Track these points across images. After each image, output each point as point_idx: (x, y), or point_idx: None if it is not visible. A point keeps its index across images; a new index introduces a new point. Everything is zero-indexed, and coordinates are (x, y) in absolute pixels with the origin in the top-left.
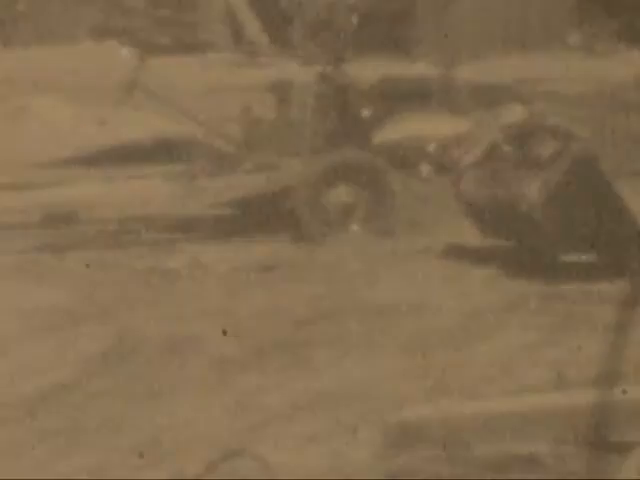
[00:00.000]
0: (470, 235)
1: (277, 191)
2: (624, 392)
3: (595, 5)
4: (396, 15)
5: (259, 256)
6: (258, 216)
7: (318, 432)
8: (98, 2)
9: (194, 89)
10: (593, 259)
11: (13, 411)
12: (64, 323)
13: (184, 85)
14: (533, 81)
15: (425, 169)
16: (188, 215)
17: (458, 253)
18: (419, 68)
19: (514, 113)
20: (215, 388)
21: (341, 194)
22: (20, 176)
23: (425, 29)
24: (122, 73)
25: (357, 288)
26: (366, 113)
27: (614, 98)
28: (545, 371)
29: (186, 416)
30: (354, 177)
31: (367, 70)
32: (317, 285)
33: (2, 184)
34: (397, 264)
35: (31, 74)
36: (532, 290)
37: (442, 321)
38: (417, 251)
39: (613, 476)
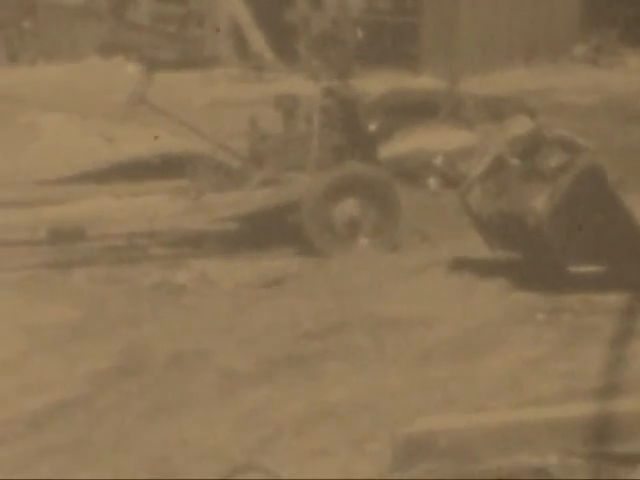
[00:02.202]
0: (477, 248)
1: (284, 205)
2: (632, 404)
3: (600, 17)
4: (401, 29)
5: (266, 270)
6: (265, 231)
7: (327, 446)
8: (104, 19)
9: (200, 104)
10: (601, 271)
11: (20, 427)
12: (71, 339)
13: (190, 100)
14: (539, 93)
15: (432, 182)
16: (195, 230)
17: (466, 266)
18: (425, 82)
19: (520, 125)
20: (224, 403)
21: (348, 208)
22: (27, 193)
23: (430, 43)
24: (128, 89)
25: (365, 302)
26: (372, 127)
27: (620, 109)
28: (553, 383)
29: (195, 431)
30: (361, 191)
31: (373, 84)
32: (325, 299)
33: (9, 201)
34: (405, 277)
35: (38, 91)
36: (540, 302)
37: (450, 334)
38: (425, 264)
39: None
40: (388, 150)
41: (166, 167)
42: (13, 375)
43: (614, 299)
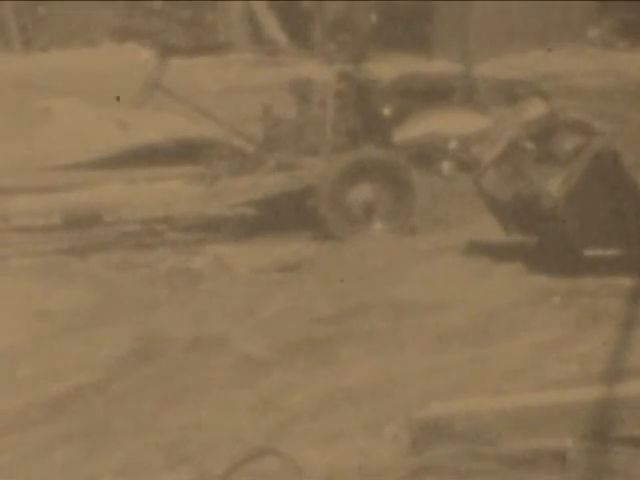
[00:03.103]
0: (493, 232)
1: (299, 190)
2: None
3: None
4: (415, 13)
5: (282, 255)
6: (280, 215)
7: (344, 430)
8: (118, 4)
9: (214, 89)
10: (616, 254)
11: (38, 412)
12: (88, 325)
13: (204, 85)
14: (554, 76)
15: (447, 166)
16: (210, 216)
17: (481, 250)
18: (439, 65)
19: (535, 109)
20: (240, 387)
21: (363, 192)
22: (42, 179)
23: (444, 26)
24: (142, 75)
25: (380, 286)
26: (387, 111)
27: (636, 92)
28: (569, 366)
29: (212, 416)
30: (376, 175)
31: (387, 68)
32: (340, 283)
33: (24, 187)
34: (420, 261)
35: (52, 77)
36: (555, 286)
37: (466, 317)
38: (440, 248)
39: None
40: (402, 134)
41: (181, 152)
42: (30, 361)
43: (629, 282)
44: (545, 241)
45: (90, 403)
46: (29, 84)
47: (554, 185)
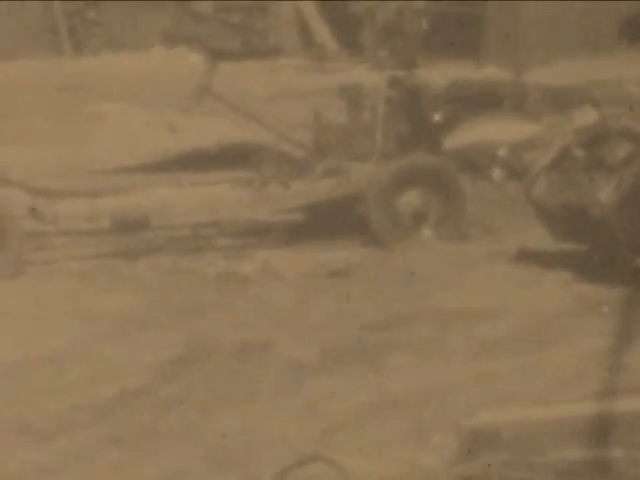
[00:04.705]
0: (542, 239)
1: (348, 196)
2: None
3: None
4: (466, 19)
5: (330, 261)
6: (329, 221)
7: (391, 437)
8: (168, 9)
9: (264, 94)
10: None
11: (86, 416)
12: (136, 329)
13: (254, 90)
14: (605, 83)
15: (496, 173)
16: (259, 221)
17: (530, 257)
18: (489, 72)
19: (586, 116)
20: (287, 393)
21: (412, 198)
22: (91, 183)
23: (495, 33)
24: (192, 79)
25: (429, 293)
26: (437, 117)
27: None
28: (617, 376)
29: (258, 421)
30: (425, 181)
31: (437, 74)
32: (388, 290)
33: (74, 191)
34: (469, 268)
35: (102, 81)
36: (605, 294)
37: (514, 325)
38: (489, 255)
39: None
40: (452, 141)
41: (230, 157)
42: (77, 364)
43: None
44: (595, 249)
45: (137, 407)
46: (79, 88)
47: (605, 193)
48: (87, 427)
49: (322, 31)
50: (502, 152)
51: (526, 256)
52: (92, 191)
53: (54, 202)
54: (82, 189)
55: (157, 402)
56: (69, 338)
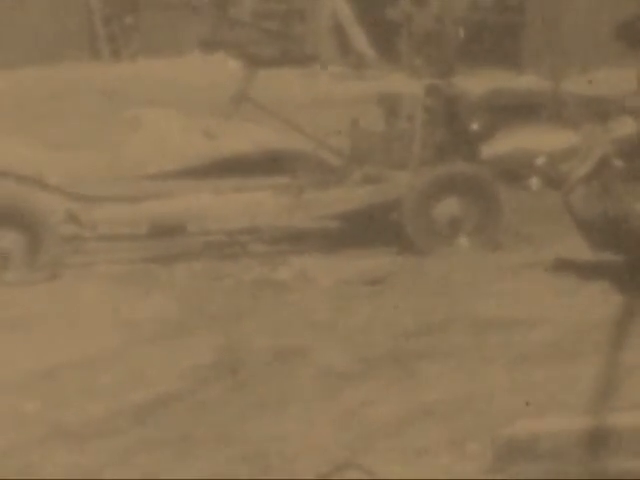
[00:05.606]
0: (580, 250)
1: (385, 203)
2: None
3: None
4: (504, 28)
5: (367, 269)
6: (366, 229)
7: (427, 446)
8: (206, 15)
9: (302, 101)
10: None
11: (122, 421)
12: (172, 334)
13: (291, 97)
14: None
15: (534, 182)
16: (296, 227)
17: (567, 267)
18: (528, 80)
19: (625, 126)
20: (323, 400)
21: (449, 207)
22: (129, 187)
23: (533, 41)
24: (230, 85)
25: (465, 301)
26: (475, 126)
27: None
28: None
29: (294, 428)
30: (462, 190)
31: (475, 83)
32: (425, 298)
33: (111, 196)
34: (505, 278)
35: (140, 86)
36: None
37: (551, 335)
38: (526, 265)
39: None
40: (490, 149)
41: (267, 164)
42: (115, 369)
43: None
44: (633, 260)
45: (172, 412)
46: (117, 93)
47: None
48: (123, 431)
49: (359, 39)
50: (540, 161)
51: (563, 266)
52: (130, 196)
53: (92, 207)
54: (120, 194)
55: (193, 407)
56: (106, 342)
